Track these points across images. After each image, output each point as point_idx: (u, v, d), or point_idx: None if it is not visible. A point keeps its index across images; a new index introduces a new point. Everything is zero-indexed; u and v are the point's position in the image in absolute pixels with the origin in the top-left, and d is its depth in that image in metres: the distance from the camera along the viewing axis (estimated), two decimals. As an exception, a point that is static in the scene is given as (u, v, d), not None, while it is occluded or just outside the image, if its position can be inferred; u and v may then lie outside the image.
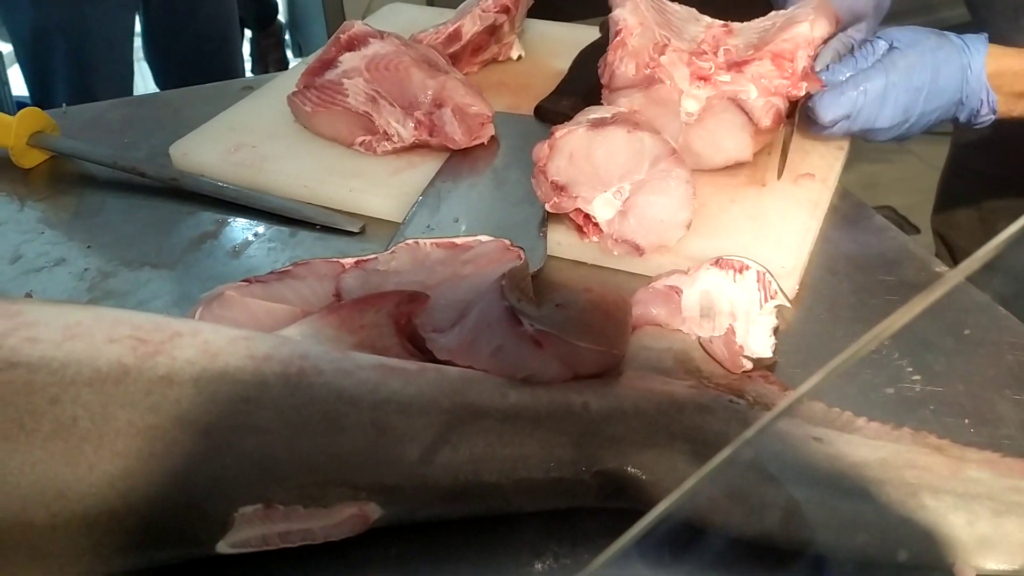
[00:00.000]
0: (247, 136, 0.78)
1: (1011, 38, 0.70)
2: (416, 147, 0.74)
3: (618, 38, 0.69)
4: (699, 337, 0.54)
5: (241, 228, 0.70)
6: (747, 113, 0.66)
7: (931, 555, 0.41)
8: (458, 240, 0.59)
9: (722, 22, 0.73)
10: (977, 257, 0.28)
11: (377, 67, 0.74)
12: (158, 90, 1.59)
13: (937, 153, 1.07)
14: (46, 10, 1.35)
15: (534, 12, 0.95)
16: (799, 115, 0.71)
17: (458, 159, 0.74)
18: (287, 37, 2.47)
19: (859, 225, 0.69)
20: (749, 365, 0.53)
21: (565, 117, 0.68)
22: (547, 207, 0.63)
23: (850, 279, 0.63)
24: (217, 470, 0.40)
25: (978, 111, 0.68)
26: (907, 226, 1.78)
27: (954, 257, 0.99)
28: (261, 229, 0.70)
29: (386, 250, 0.59)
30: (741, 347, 0.53)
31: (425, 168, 0.73)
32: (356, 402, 0.43)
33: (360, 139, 0.75)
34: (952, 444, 0.46)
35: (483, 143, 0.74)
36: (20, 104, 1.70)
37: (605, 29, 0.81)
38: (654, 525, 0.30)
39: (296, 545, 0.40)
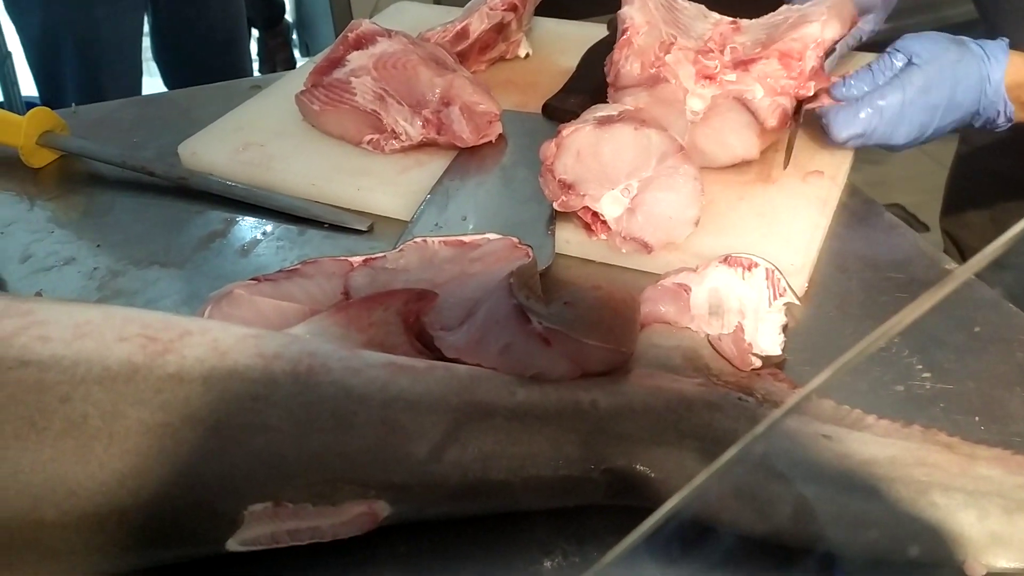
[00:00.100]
0: (255, 135, 0.78)
1: (1019, 38, 0.69)
2: (424, 145, 0.74)
3: (624, 36, 0.69)
4: (708, 335, 0.54)
5: (250, 227, 0.70)
6: (753, 112, 0.66)
7: (941, 553, 0.41)
8: (466, 238, 0.59)
9: (731, 19, 0.73)
10: (987, 254, 0.28)
11: (385, 66, 0.74)
12: (167, 89, 1.59)
13: (947, 151, 1.06)
14: (56, 10, 1.35)
15: (542, 10, 0.95)
16: (807, 113, 0.70)
17: (466, 157, 0.74)
18: (294, 36, 2.48)
19: (868, 222, 0.69)
20: (758, 363, 0.53)
21: (573, 115, 0.68)
22: (555, 205, 0.63)
23: (859, 276, 0.63)
24: (227, 468, 0.40)
25: (994, 120, 0.67)
26: (916, 224, 1.77)
27: (964, 257, 0.98)
28: (270, 228, 0.70)
29: (394, 248, 0.59)
30: (750, 345, 0.53)
31: (433, 166, 0.73)
32: (365, 400, 0.43)
33: (368, 137, 0.75)
34: (962, 441, 0.46)
35: (491, 141, 0.74)
36: (29, 104, 1.71)
37: (613, 27, 0.81)
38: (663, 523, 0.30)
39: (305, 543, 0.40)
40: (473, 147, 0.74)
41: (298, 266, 0.57)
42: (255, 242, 0.69)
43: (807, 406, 0.47)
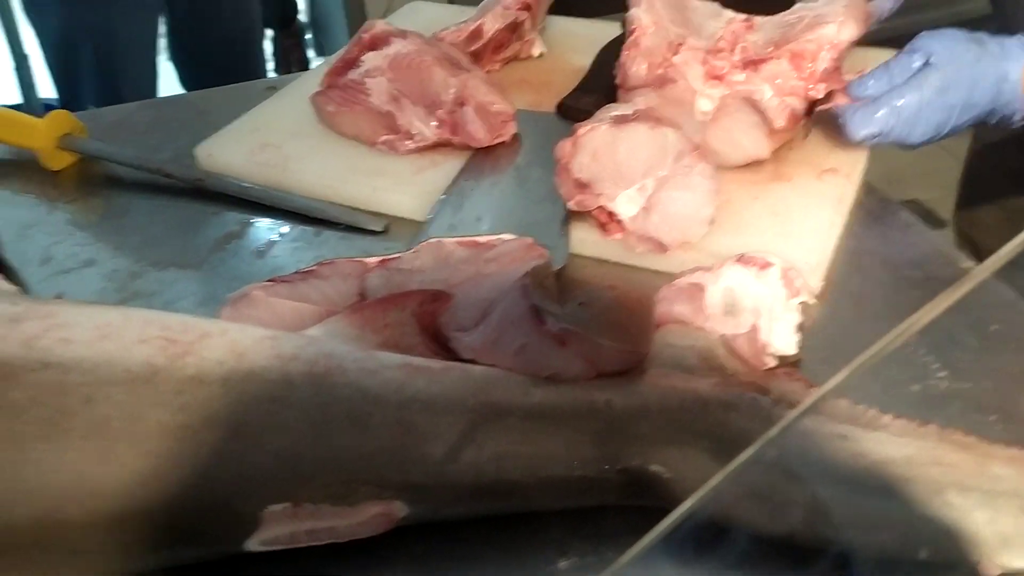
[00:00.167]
0: (271, 136, 0.79)
1: None
2: (438, 146, 0.75)
3: (632, 37, 0.69)
4: (723, 334, 0.54)
5: (266, 228, 0.71)
6: (761, 113, 0.66)
7: (956, 552, 0.41)
8: (481, 239, 0.59)
9: (744, 16, 0.73)
10: (1003, 253, 0.28)
11: (399, 66, 0.75)
12: (183, 90, 1.61)
13: (965, 146, 1.05)
14: (73, 13, 1.37)
15: (556, 8, 0.95)
16: (822, 111, 0.70)
17: (480, 157, 0.74)
18: (308, 36, 2.49)
19: (884, 221, 0.69)
20: (773, 362, 0.52)
21: (587, 114, 0.68)
22: (571, 205, 0.63)
23: (875, 275, 0.63)
24: (246, 469, 0.40)
25: (1010, 118, 0.67)
26: (933, 219, 1.76)
27: (978, 254, 0.97)
28: (286, 229, 0.71)
29: (409, 249, 0.59)
30: (765, 344, 0.53)
31: (448, 167, 0.73)
32: (381, 401, 0.43)
33: (383, 138, 0.75)
34: (978, 441, 0.46)
35: (505, 141, 0.74)
36: (47, 106, 1.73)
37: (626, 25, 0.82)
38: (679, 523, 0.30)
39: (323, 543, 0.41)
40: (487, 147, 0.74)
41: (314, 267, 0.58)
42: (271, 243, 0.69)
43: (823, 406, 0.47)
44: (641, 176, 0.61)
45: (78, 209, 0.75)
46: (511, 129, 0.74)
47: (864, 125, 0.67)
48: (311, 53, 2.47)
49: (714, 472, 0.44)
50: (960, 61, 0.65)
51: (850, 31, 0.66)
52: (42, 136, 0.77)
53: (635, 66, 0.69)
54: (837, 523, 0.42)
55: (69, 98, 1.45)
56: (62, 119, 0.79)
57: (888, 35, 0.80)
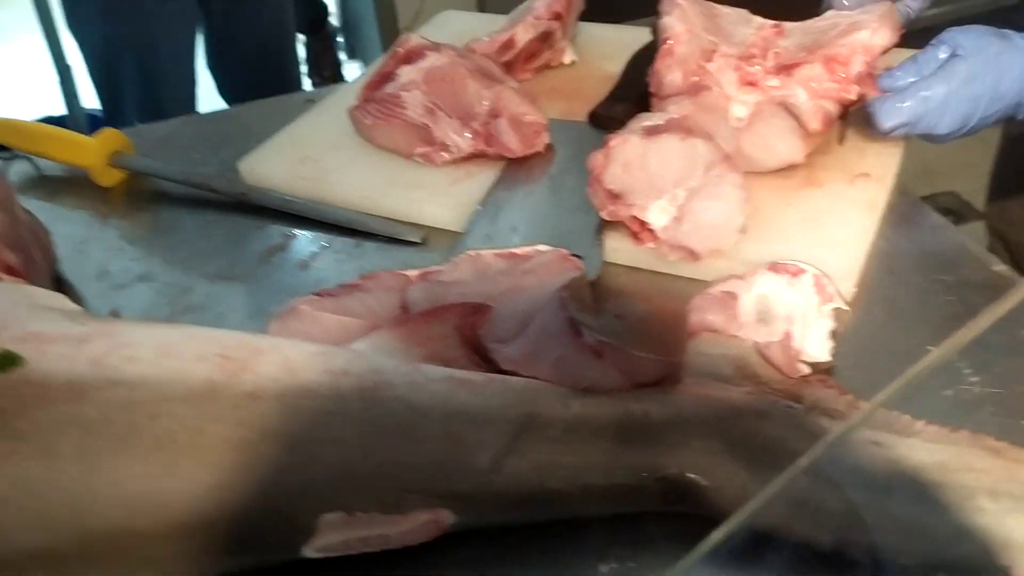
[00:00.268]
0: (311, 149, 0.81)
1: None
2: (473, 157, 0.77)
3: (666, 46, 0.70)
4: (756, 342, 0.56)
5: (308, 240, 0.73)
6: (796, 116, 0.67)
7: (988, 558, 0.42)
8: (518, 250, 0.61)
9: (773, 22, 0.74)
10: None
11: (434, 79, 0.77)
12: (220, 97, 1.64)
13: (998, 137, 1.05)
14: (114, 26, 1.40)
15: (585, 15, 0.96)
16: (855, 116, 0.71)
17: (514, 167, 0.76)
18: (339, 39, 2.52)
19: (916, 224, 0.69)
20: (807, 369, 0.54)
21: (619, 123, 0.70)
22: (603, 215, 0.65)
23: (907, 280, 0.64)
24: (302, 480, 0.43)
25: None
26: (969, 212, 1.75)
27: (1010, 251, 0.97)
28: (327, 241, 0.73)
29: (448, 261, 0.61)
30: (798, 351, 0.54)
31: (482, 177, 0.75)
32: (427, 414, 0.45)
33: (419, 150, 0.77)
34: (1011, 446, 0.47)
35: (539, 151, 0.76)
36: (90, 115, 1.77)
37: (656, 32, 0.83)
38: (731, 534, 0.32)
39: (375, 550, 0.43)
40: (521, 157, 0.76)
41: (357, 281, 0.60)
42: (314, 255, 0.71)
43: (860, 415, 0.48)
44: (672, 186, 0.63)
45: (129, 224, 0.78)
46: (544, 139, 0.76)
47: (892, 116, 0.68)
48: (342, 56, 2.50)
49: (751, 480, 0.46)
50: (986, 52, 0.67)
51: (883, 38, 0.67)
52: (93, 154, 0.80)
53: (670, 74, 0.70)
54: (870, 529, 0.43)
55: (111, 107, 1.49)
56: (112, 137, 0.82)
57: (921, 26, 0.81)
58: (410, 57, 0.79)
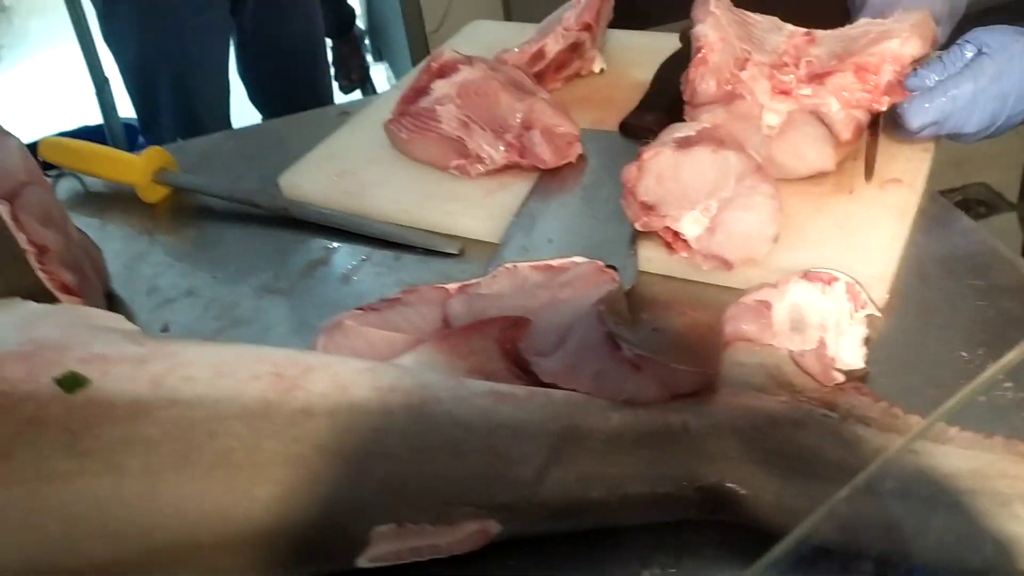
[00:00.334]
0: (348, 163, 0.83)
1: None
2: (507, 168, 0.78)
3: (699, 55, 0.71)
4: (790, 351, 0.56)
5: (348, 253, 0.75)
6: (828, 125, 0.67)
7: (1022, 564, 0.43)
8: (554, 263, 0.62)
9: (804, 30, 0.74)
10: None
11: (467, 93, 0.78)
12: (252, 104, 1.67)
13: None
14: (149, 39, 1.43)
15: (613, 20, 0.97)
16: (884, 120, 0.72)
17: (548, 178, 0.77)
18: (366, 42, 2.54)
19: (947, 228, 0.70)
20: (841, 377, 0.54)
21: (650, 132, 0.71)
22: (637, 225, 0.66)
23: (939, 285, 0.64)
24: (355, 493, 0.45)
25: None
26: (1001, 203, 1.73)
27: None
28: (367, 254, 0.75)
29: (487, 274, 0.63)
30: (832, 359, 0.55)
31: (517, 188, 0.77)
32: (472, 428, 0.47)
33: (454, 163, 0.79)
34: (1046, 453, 0.47)
35: (571, 161, 0.77)
36: (127, 126, 1.81)
37: (686, 39, 0.83)
38: (791, 548, 0.33)
39: (425, 559, 0.45)
40: (554, 168, 0.77)
41: (399, 295, 0.62)
42: (355, 268, 0.73)
43: (917, 430, 0.49)
44: (705, 197, 0.64)
45: (175, 240, 0.80)
46: (576, 150, 0.77)
47: (920, 115, 0.68)
48: (369, 58, 2.52)
49: (787, 489, 0.47)
50: (1011, 50, 0.67)
51: (913, 47, 0.67)
52: (139, 171, 0.83)
53: (704, 83, 0.71)
54: (906, 536, 0.44)
55: (147, 117, 1.53)
56: (156, 155, 0.84)
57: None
58: (443, 71, 0.81)
